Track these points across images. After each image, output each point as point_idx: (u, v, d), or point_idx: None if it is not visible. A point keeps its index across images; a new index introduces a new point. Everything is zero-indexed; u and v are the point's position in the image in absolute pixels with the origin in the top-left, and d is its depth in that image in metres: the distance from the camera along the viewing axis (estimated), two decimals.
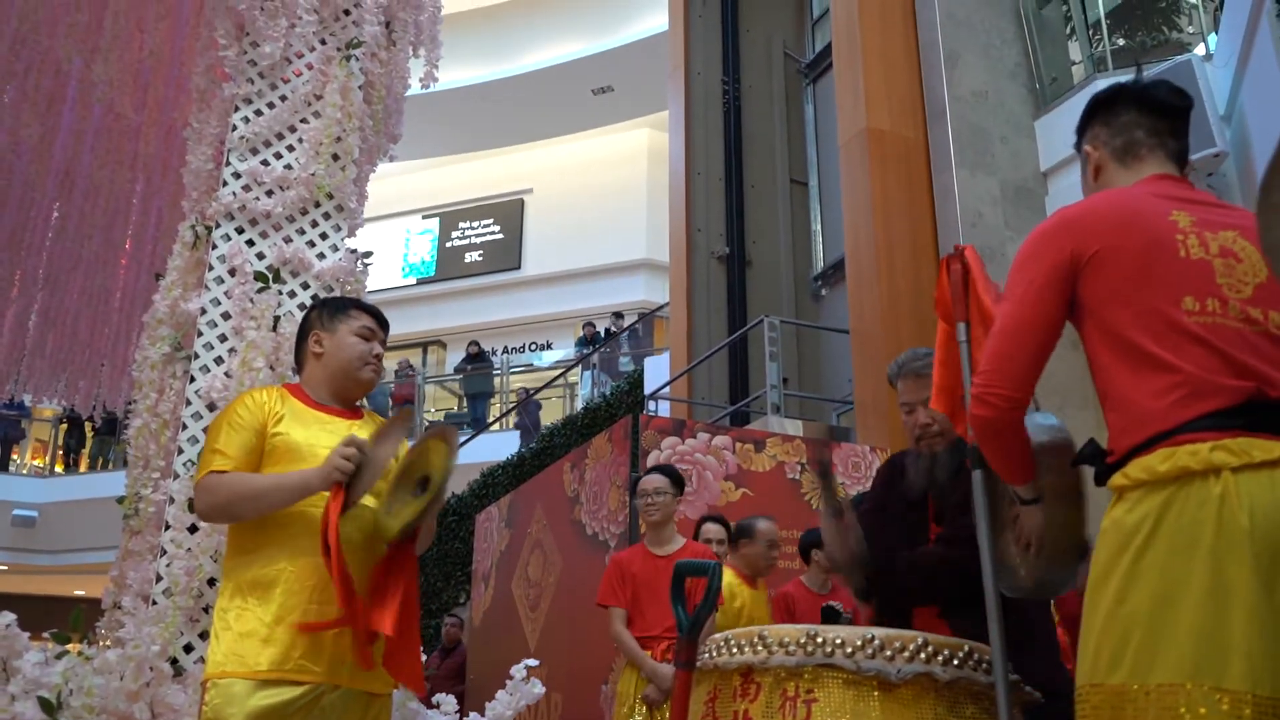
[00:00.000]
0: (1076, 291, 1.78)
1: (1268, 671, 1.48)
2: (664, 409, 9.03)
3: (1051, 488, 1.87)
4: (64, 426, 15.87)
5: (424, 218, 21.37)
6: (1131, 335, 1.70)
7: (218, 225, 3.53)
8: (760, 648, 1.90)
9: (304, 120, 3.72)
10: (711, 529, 4.57)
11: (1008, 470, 1.88)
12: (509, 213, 20.85)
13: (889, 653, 1.83)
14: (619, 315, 15.98)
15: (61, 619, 3.13)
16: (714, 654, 2.00)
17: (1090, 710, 1.61)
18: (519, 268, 20.36)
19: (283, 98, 3.73)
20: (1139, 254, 1.73)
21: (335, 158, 3.68)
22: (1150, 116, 1.90)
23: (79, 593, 15.47)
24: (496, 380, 16.18)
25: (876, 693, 1.82)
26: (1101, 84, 7.73)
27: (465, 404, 16.14)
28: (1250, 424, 1.60)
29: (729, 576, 4.37)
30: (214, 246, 3.50)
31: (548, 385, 15.17)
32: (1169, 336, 1.67)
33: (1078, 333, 1.83)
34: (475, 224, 21.04)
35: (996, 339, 1.81)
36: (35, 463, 16.29)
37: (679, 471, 4.45)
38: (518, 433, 13.55)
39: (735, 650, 1.95)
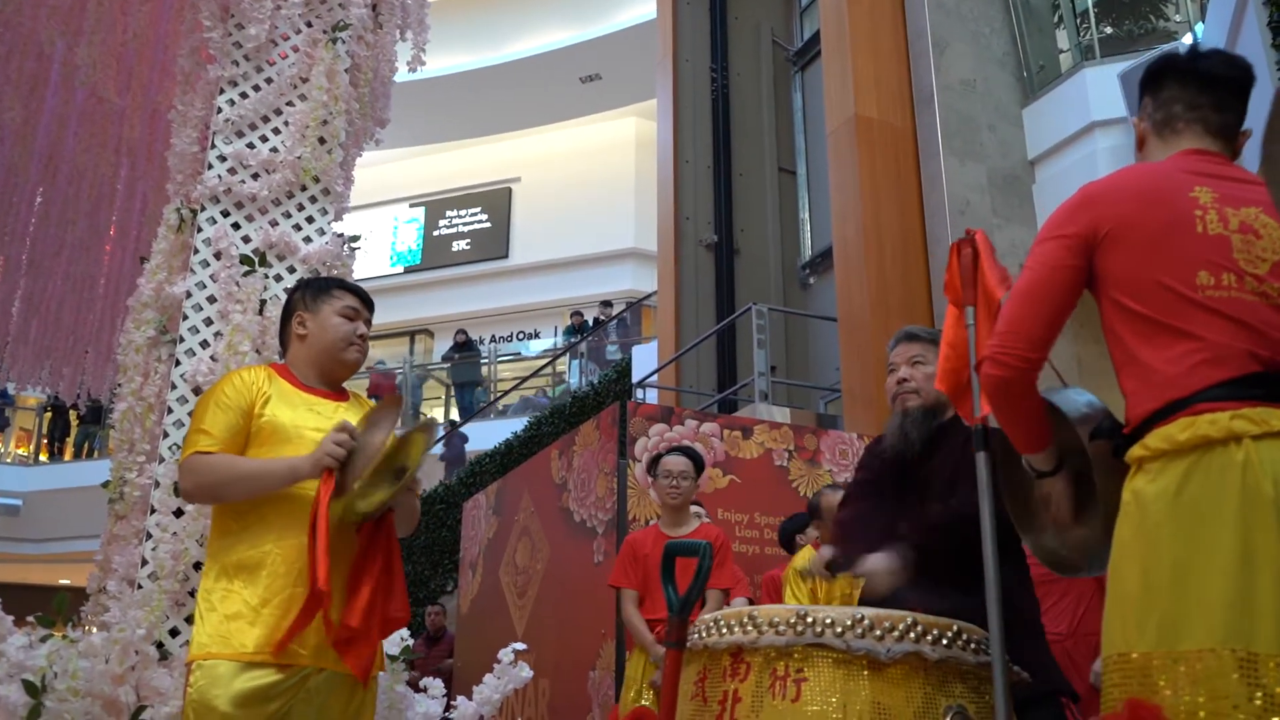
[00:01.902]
0: (1094, 265, 1.79)
1: None
2: (652, 397, 9.03)
3: (1101, 460, 1.87)
4: (48, 414, 15.78)
5: (411, 206, 21.28)
6: (1147, 310, 1.72)
7: (203, 208, 3.51)
8: (750, 628, 1.90)
9: (290, 103, 3.69)
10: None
11: (1022, 436, 1.88)
12: (496, 201, 20.79)
13: (879, 632, 1.83)
14: (607, 304, 15.96)
15: (46, 607, 3.11)
16: (704, 634, 2.00)
17: (1119, 679, 1.61)
18: (506, 256, 20.31)
19: (268, 80, 3.71)
20: (1157, 230, 1.74)
21: (321, 141, 3.65)
22: (1191, 90, 1.89)
23: (64, 581, 15.40)
24: (484, 369, 16.15)
25: (866, 672, 1.82)
26: (1089, 73, 7.70)
27: (453, 393, 16.12)
28: (1268, 394, 1.62)
29: (810, 554, 4.33)
30: (199, 230, 3.48)
31: (535, 374, 15.16)
32: (1184, 311, 1.69)
33: (1096, 306, 1.84)
34: (462, 212, 20.96)
35: (1012, 302, 1.83)
36: (19, 451, 16.19)
37: (700, 454, 4.40)
38: (501, 422, 13.49)
39: (725, 630, 1.95)
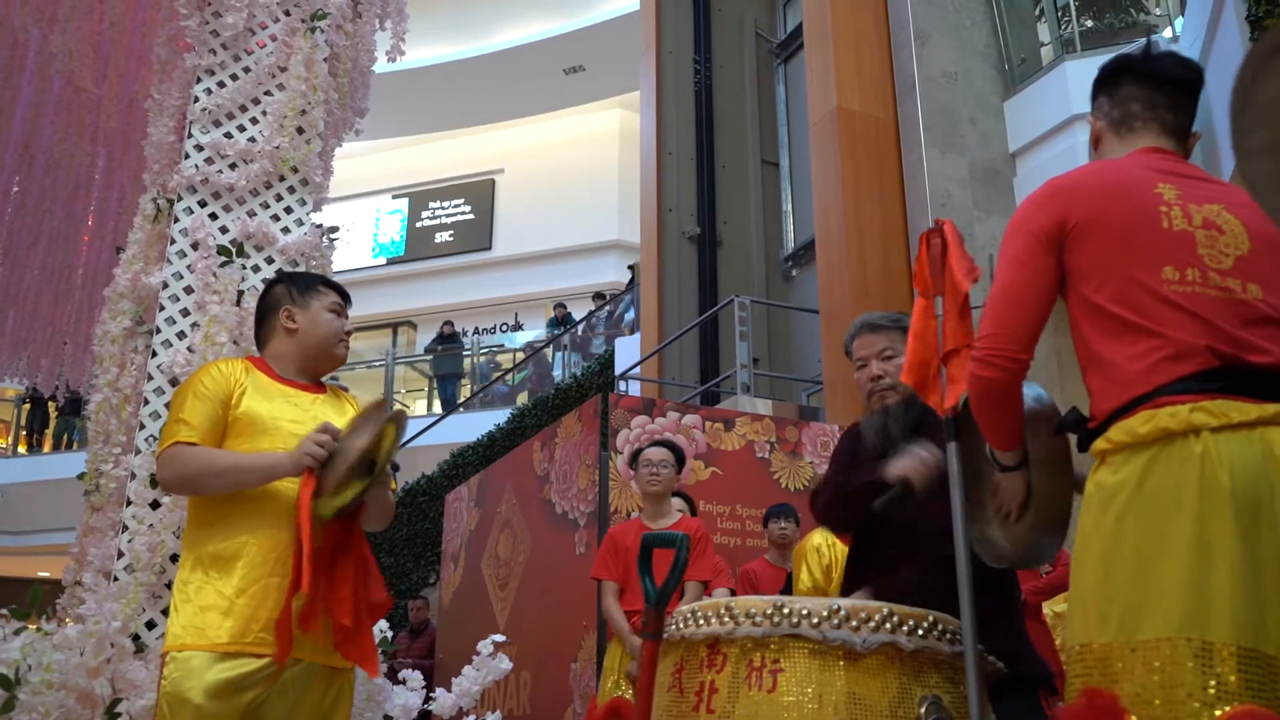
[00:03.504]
0: (1062, 259, 1.80)
1: (1249, 623, 1.52)
2: (634, 389, 9.02)
3: (1040, 455, 1.88)
4: (27, 406, 15.65)
5: (394, 197, 21.18)
6: (1112, 304, 1.73)
7: (180, 198, 3.48)
8: (727, 619, 1.90)
9: (268, 92, 3.66)
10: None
11: (1001, 435, 1.89)
12: (480, 193, 20.71)
13: (854, 623, 1.83)
14: (600, 295, 15.87)
15: (24, 600, 3.09)
16: (681, 625, 1.99)
17: (1080, 670, 1.63)
18: (490, 248, 20.24)
19: (246, 69, 3.68)
20: (1123, 225, 1.75)
21: (300, 131, 3.63)
22: (1148, 89, 1.92)
23: (43, 574, 15.31)
24: (466, 361, 16.10)
25: (842, 662, 1.82)
26: (1070, 66, 7.72)
27: (435, 385, 16.06)
28: (1227, 388, 1.64)
29: (824, 536, 4.33)
30: (176, 220, 3.45)
31: (517, 366, 15.12)
32: (1149, 306, 1.70)
33: (1063, 302, 1.85)
34: (446, 204, 20.88)
35: (994, 303, 1.82)
36: None
37: (680, 447, 4.42)
38: (488, 412, 13.46)
39: (702, 621, 1.94)
